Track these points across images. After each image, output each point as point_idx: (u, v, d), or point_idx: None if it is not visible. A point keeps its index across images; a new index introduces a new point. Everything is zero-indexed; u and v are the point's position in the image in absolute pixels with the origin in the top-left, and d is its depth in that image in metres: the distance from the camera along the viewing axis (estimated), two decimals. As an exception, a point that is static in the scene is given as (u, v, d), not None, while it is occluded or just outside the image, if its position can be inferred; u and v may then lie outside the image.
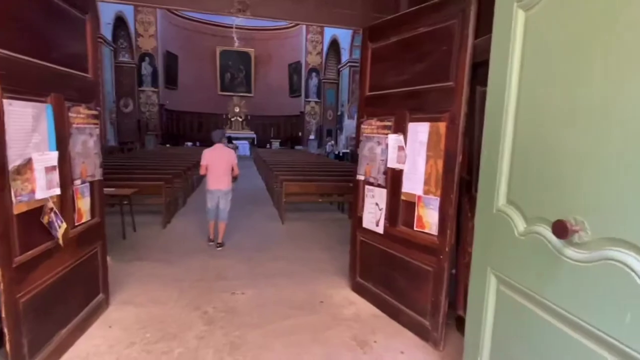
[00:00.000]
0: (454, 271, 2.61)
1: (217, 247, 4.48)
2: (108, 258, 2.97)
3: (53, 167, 2.12)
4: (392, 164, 2.74)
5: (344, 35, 16.78)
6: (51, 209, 2.12)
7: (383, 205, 2.84)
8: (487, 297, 1.71)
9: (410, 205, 2.60)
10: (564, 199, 1.27)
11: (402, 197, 2.67)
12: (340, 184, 6.30)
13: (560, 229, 1.22)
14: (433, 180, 2.43)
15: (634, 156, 1.05)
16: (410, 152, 2.60)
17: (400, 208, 2.71)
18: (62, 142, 2.21)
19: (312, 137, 20.20)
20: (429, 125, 2.44)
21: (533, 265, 1.41)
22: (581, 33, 1.23)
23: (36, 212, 2.02)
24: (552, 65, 1.36)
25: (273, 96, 21.69)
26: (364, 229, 3.05)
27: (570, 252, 1.24)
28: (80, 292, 2.51)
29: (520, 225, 1.49)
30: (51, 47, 2.16)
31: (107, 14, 13.79)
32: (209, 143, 4.89)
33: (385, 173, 2.82)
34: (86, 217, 2.56)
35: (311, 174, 7.42)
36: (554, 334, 1.32)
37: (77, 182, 2.43)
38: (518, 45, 1.53)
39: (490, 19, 1.82)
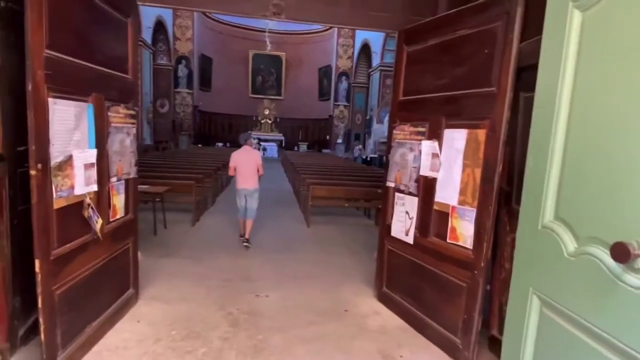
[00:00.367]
0: (488, 287, 2.47)
1: (244, 242, 4.67)
2: (139, 253, 3.04)
3: (92, 164, 2.19)
4: (425, 171, 2.63)
5: (375, 39, 16.64)
6: (89, 205, 2.20)
7: (414, 214, 2.74)
8: (528, 320, 1.58)
9: (443, 216, 2.49)
10: (624, 218, 1.15)
11: (435, 207, 2.56)
12: (367, 189, 6.20)
13: (621, 253, 1.09)
14: (469, 191, 2.31)
15: None
16: (445, 159, 2.49)
17: (432, 218, 2.59)
18: (100, 140, 2.28)
19: (339, 140, 20.16)
20: (466, 132, 2.32)
21: (584, 290, 1.28)
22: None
23: (74, 208, 2.09)
24: (612, 70, 1.24)
25: (302, 99, 21.88)
26: (393, 237, 2.96)
27: (630, 278, 1.11)
28: (112, 286, 2.58)
29: (570, 244, 1.36)
30: (94, 48, 2.24)
31: (148, 18, 14.46)
32: (238, 144, 5.13)
33: (417, 181, 2.72)
34: (120, 213, 2.63)
35: (338, 177, 7.36)
36: (606, 367, 1.19)
37: (113, 179, 2.50)
38: (572, 48, 1.41)
39: (537, 20, 1.71)
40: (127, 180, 2.69)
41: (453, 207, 2.41)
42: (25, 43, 1.69)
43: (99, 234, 2.24)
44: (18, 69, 1.81)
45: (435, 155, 2.55)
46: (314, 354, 2.40)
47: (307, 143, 21.34)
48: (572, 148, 1.39)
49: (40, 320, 1.86)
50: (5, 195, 2.02)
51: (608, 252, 1.15)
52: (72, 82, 2.02)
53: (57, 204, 1.93)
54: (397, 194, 2.93)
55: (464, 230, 2.34)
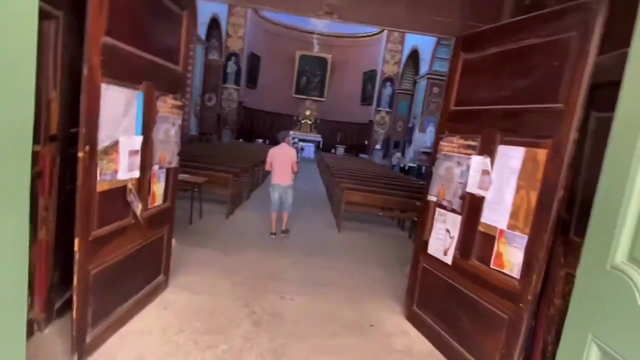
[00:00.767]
0: (532, 323, 2.23)
1: (282, 233, 4.99)
2: (173, 240, 3.11)
3: (136, 151, 2.24)
4: (473, 188, 2.44)
5: (425, 46, 16.16)
6: (130, 190, 2.25)
7: (455, 233, 2.55)
8: (583, 370, 1.38)
9: (489, 239, 2.29)
10: None
11: (480, 228, 2.36)
12: (404, 199, 5.97)
13: None
14: (522, 215, 2.10)
15: None
16: (496, 178, 2.29)
17: (475, 240, 2.40)
18: (147, 128, 2.34)
19: (378, 146, 19.81)
20: (524, 151, 2.12)
21: (663, 349, 1.08)
22: None
23: (116, 192, 2.15)
24: None
25: (344, 102, 21.79)
26: (429, 255, 2.78)
27: None
28: (144, 271, 2.64)
29: (648, 293, 1.16)
30: (149, 38, 2.30)
31: (204, 14, 15.04)
32: (277, 142, 5.27)
33: (462, 198, 2.53)
34: (159, 201, 2.69)
35: (374, 184, 7.17)
36: None
37: (155, 167, 2.56)
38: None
39: (619, 31, 1.50)
40: (168, 169, 2.74)
41: (501, 231, 2.20)
42: (84, 29, 1.74)
43: (140, 219, 2.29)
44: (77, 54, 1.88)
45: (485, 172, 2.36)
46: (334, 368, 2.30)
47: (344, 146, 21.20)
48: (660, 181, 1.19)
49: (74, 297, 1.91)
50: (55, 173, 2.12)
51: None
52: (126, 70, 2.08)
53: (101, 186, 1.99)
54: (438, 209, 2.76)
55: (511, 257, 2.14)
